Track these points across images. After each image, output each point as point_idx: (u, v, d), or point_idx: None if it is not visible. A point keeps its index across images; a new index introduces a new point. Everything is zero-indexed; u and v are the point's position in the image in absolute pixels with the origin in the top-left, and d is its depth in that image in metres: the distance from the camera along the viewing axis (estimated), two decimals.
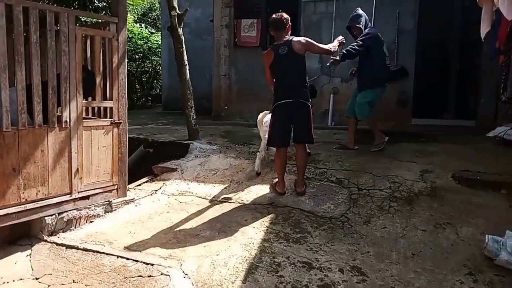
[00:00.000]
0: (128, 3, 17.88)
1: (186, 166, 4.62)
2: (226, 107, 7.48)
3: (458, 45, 7.34)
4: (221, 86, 7.41)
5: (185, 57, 5.00)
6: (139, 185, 4.36)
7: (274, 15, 3.78)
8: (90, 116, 3.85)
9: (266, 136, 4.01)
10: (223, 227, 3.24)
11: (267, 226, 3.21)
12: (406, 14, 6.62)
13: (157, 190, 4.13)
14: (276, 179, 3.93)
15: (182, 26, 4.95)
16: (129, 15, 18.24)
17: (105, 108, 3.69)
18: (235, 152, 4.87)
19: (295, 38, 3.75)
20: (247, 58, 7.29)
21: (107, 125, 3.62)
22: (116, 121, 3.68)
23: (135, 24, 16.92)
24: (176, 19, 4.76)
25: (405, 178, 3.81)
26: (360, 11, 4.74)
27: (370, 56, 4.48)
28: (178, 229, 3.23)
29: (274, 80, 3.99)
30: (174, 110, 10.94)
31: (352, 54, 4.49)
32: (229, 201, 3.82)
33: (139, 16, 19.47)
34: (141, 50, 14.44)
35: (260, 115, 4.56)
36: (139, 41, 14.57)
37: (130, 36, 14.18)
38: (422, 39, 6.68)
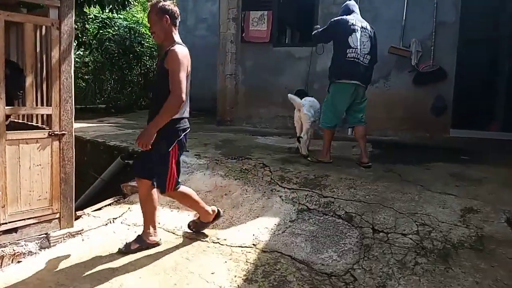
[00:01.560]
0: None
1: None
2: (232, 109, 6.59)
3: (509, 41, 6.11)
4: (226, 86, 6.54)
5: None
6: (99, 209, 3.54)
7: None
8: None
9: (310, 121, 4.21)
10: (178, 284, 2.34)
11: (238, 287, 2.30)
12: (446, 3, 5.50)
13: (116, 218, 3.29)
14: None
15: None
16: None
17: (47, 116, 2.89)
18: (225, 169, 3.96)
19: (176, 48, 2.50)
20: (256, 55, 6.38)
21: (44, 138, 2.80)
22: (56, 132, 2.86)
23: None
24: None
25: (439, 220, 2.78)
26: (347, 2, 4.19)
27: (334, 47, 4.03)
28: (119, 284, 2.36)
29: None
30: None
31: (314, 35, 4.25)
32: (202, 238, 2.92)
33: None
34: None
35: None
36: None
37: (145, 32, 13.61)
38: (465, 34, 5.53)
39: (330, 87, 4.03)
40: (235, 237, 2.89)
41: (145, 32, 13.31)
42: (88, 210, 3.45)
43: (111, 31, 10.97)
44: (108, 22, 10.67)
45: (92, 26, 10.77)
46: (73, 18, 2.92)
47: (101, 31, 10.78)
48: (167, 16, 2.56)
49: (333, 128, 4.09)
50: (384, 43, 5.69)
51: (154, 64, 14.40)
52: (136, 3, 16.76)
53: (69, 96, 2.92)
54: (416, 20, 5.62)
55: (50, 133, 2.82)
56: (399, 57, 5.68)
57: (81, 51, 12.31)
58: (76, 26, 10.71)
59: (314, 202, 3.21)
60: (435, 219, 2.79)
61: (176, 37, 2.62)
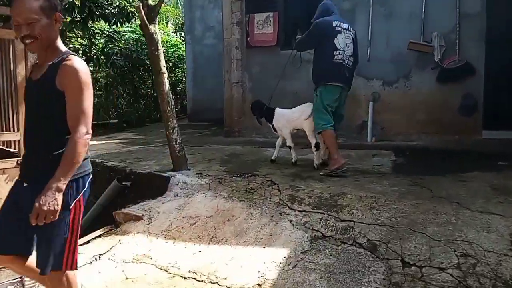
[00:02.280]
0: (163, 13, 17.32)
1: (157, 212, 3.35)
2: (240, 119, 6.16)
3: None
4: (233, 95, 6.12)
5: (162, 63, 3.76)
6: (88, 242, 3.15)
7: None
8: None
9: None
10: None
11: None
12: None
13: (103, 254, 2.89)
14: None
15: (156, 22, 3.72)
16: (169, 25, 17.69)
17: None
18: (229, 189, 3.52)
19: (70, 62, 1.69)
20: (262, 60, 5.95)
21: (11, 168, 2.44)
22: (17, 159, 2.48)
23: (174, 35, 16.29)
24: (144, 13, 3.52)
25: (484, 248, 2.26)
26: (324, 2, 3.97)
27: (319, 49, 3.85)
28: None
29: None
30: (199, 122, 10.01)
31: (297, 43, 4.22)
32: (198, 278, 2.49)
33: (180, 25, 18.90)
34: (171, 59, 13.65)
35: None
36: (170, 50, 13.82)
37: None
38: (493, 26, 4.96)
39: (317, 90, 3.86)
40: (237, 275, 2.45)
41: None
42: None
43: (117, 45, 10.78)
44: (115, 36, 10.48)
45: (99, 40, 10.60)
46: None
47: (109, 45, 10.61)
48: (59, 14, 1.72)
49: (333, 128, 3.78)
50: (402, 39, 5.19)
51: (168, 77, 14.22)
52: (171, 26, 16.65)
53: None
54: (437, 12, 5.08)
55: (19, 161, 2.45)
56: (420, 53, 5.15)
57: (90, 67, 12.24)
58: (84, 42, 10.58)
59: (330, 227, 2.73)
60: (479, 247, 2.27)
61: (62, 45, 1.78)
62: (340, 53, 3.68)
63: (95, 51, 10.66)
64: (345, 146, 5.03)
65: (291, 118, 4.20)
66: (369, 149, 4.73)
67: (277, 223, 2.92)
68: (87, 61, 11.07)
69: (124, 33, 11.95)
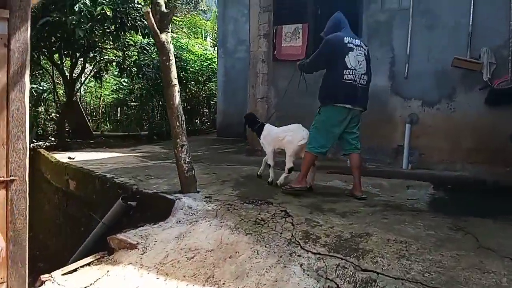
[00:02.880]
0: (202, 27, 17.43)
1: (154, 240, 2.99)
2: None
3: None
4: (257, 111, 5.74)
5: (174, 74, 3.45)
6: (75, 270, 2.83)
7: None
8: None
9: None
10: None
11: None
12: None
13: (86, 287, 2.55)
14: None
15: (168, 30, 3.43)
16: (208, 39, 17.82)
17: None
18: (236, 219, 3.11)
19: None
20: (290, 75, 5.54)
21: None
22: (2, 178, 2.20)
23: (211, 49, 16.35)
24: (155, 20, 3.23)
25: None
26: (334, 16, 3.74)
27: (328, 67, 3.61)
28: None
29: None
30: (227, 137, 9.77)
31: (307, 65, 3.86)
32: None
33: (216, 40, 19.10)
34: (206, 72, 13.60)
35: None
36: (204, 63, 13.81)
37: (193, 59, 13.56)
38: None
39: (321, 109, 3.64)
40: None
41: (189, 57, 13.20)
42: (58, 272, 2.75)
43: (149, 57, 10.79)
44: (147, 48, 10.48)
45: (133, 52, 10.65)
46: (29, 32, 2.30)
47: (143, 57, 10.63)
48: None
49: (322, 155, 3.66)
50: (445, 54, 4.63)
51: (199, 89, 14.19)
52: (179, 29, 16.84)
53: (21, 131, 2.26)
54: (486, 24, 4.49)
55: None
56: (466, 71, 4.56)
57: (124, 79, 12.38)
58: (119, 53, 10.67)
59: (348, 278, 2.24)
60: None
61: None
62: (351, 72, 3.43)
63: (128, 62, 10.71)
64: (377, 172, 4.50)
65: (277, 137, 4.02)
66: (404, 179, 4.17)
67: (285, 266, 2.46)
68: (121, 72, 11.18)
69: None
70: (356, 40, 3.55)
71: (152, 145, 9.65)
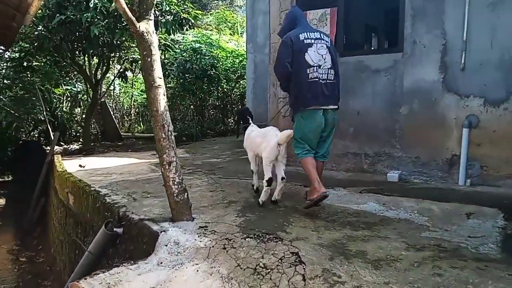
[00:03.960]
0: (237, 23, 16.79)
1: None
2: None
3: None
4: (280, 113, 4.92)
5: (157, 73, 2.73)
6: None
7: None
8: None
9: None
10: None
11: None
12: None
13: None
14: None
15: (151, 18, 2.70)
16: (243, 37, 17.18)
17: None
18: (232, 263, 2.33)
19: None
20: None
21: None
22: None
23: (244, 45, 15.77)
24: (129, 6, 2.51)
25: None
26: (289, 11, 3.57)
27: (294, 71, 3.23)
28: None
29: None
30: None
31: (279, 79, 3.47)
32: None
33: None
34: (239, 69, 12.95)
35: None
36: (236, 60, 13.17)
37: (225, 55, 12.98)
38: None
39: (295, 117, 3.34)
40: None
41: (219, 54, 12.60)
42: None
43: (172, 55, 10.26)
44: (170, 45, 9.94)
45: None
46: None
47: (167, 55, 10.13)
48: None
49: (312, 155, 3.28)
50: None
51: (231, 87, 13.57)
52: (211, 25, 16.25)
53: None
54: None
55: None
56: None
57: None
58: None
59: None
60: None
61: None
62: (315, 70, 3.14)
63: None
64: (425, 192, 3.56)
65: (255, 142, 3.47)
66: (462, 202, 3.19)
67: None
68: None
69: (184, 43, 11.46)
70: (314, 33, 3.22)
71: (178, 148, 9.09)
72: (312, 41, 3.16)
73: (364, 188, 3.67)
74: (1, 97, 11.69)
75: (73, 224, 4.48)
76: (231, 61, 13.27)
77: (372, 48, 6.21)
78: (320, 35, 3.23)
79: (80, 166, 6.05)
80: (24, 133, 11.61)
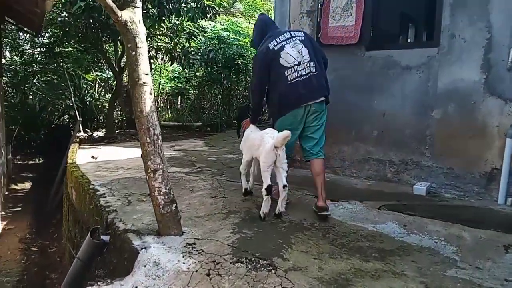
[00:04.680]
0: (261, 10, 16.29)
1: None
2: None
3: None
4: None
5: (143, 69, 2.38)
6: None
7: None
8: None
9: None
10: None
11: None
12: None
13: None
14: None
15: (137, 5, 2.35)
16: None
17: None
18: None
19: None
20: (338, 64, 4.19)
21: None
22: None
23: None
24: None
25: None
26: (257, 20, 3.39)
27: (273, 79, 3.09)
28: None
29: None
30: None
31: (252, 93, 3.40)
32: None
33: None
34: None
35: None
36: None
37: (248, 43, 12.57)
38: None
39: (275, 125, 3.20)
40: None
41: (248, 43, 12.20)
42: None
43: (196, 43, 9.94)
44: (195, 33, 9.61)
45: (181, 39, 9.85)
46: None
47: (191, 43, 9.83)
48: None
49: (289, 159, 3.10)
50: None
51: None
52: (239, 12, 15.82)
53: None
54: None
55: None
56: None
57: (179, 66, 11.75)
58: (168, 40, 9.96)
59: None
60: None
61: None
62: (294, 70, 3.03)
63: (178, 49, 9.97)
64: (456, 210, 3.07)
65: (254, 145, 3.13)
66: (499, 227, 2.68)
67: None
68: (172, 60, 10.52)
69: (212, 31, 11.12)
70: (285, 34, 3.12)
71: (199, 139, 8.90)
72: (283, 43, 3.06)
73: (384, 204, 3.21)
74: (34, 81, 11.89)
75: (73, 221, 4.30)
76: None
77: (404, 42, 5.60)
78: (291, 34, 3.13)
79: (92, 157, 5.89)
80: (57, 116, 11.78)
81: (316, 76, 3.06)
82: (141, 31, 2.41)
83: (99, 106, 12.22)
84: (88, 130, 10.56)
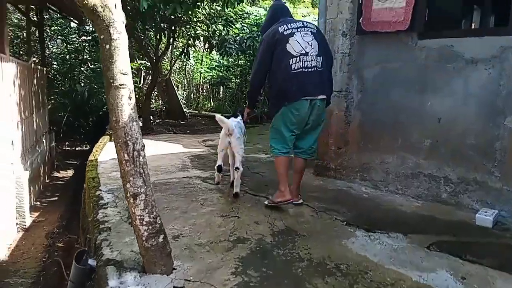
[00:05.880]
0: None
1: None
2: (340, 150, 3.83)
3: None
4: (332, 112, 3.82)
5: (121, 67, 1.87)
6: None
7: None
8: None
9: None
10: None
11: None
12: None
13: None
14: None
15: None
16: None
17: None
18: None
19: None
20: (382, 56, 3.45)
21: None
22: None
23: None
24: None
25: None
26: (272, 5, 3.27)
27: (273, 64, 2.94)
28: None
29: None
30: None
31: (250, 90, 3.34)
32: None
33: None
34: None
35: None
36: None
37: None
38: None
39: (277, 112, 2.98)
40: None
41: None
42: None
43: (237, 30, 9.39)
44: (233, 19, 9.05)
45: (218, 26, 9.36)
46: None
47: (230, 30, 9.30)
48: None
49: (288, 155, 3.02)
50: None
51: None
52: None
53: None
54: None
55: None
56: None
57: (217, 55, 11.31)
58: (205, 27, 9.52)
59: None
60: None
61: None
62: (299, 59, 2.83)
63: (217, 37, 9.50)
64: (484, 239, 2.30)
65: (222, 134, 3.49)
66: None
67: None
68: (211, 48, 10.08)
69: (255, 17, 10.48)
70: (297, 23, 2.97)
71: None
72: (294, 30, 2.89)
73: (435, 241, 2.49)
74: (82, 69, 12.05)
75: (81, 224, 3.99)
76: None
77: (468, 28, 4.66)
78: (303, 23, 2.99)
79: None
80: (104, 104, 11.90)
81: (321, 72, 2.90)
82: (118, 18, 1.89)
83: (140, 95, 12.16)
84: None
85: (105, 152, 5.63)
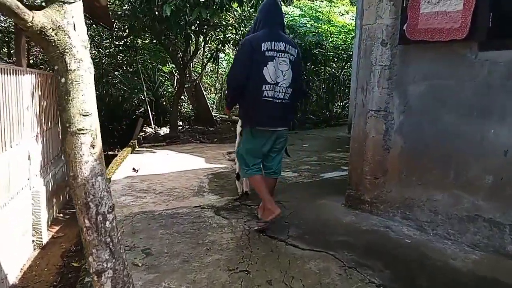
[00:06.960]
0: None
1: None
2: (377, 180, 3.21)
3: None
4: (367, 134, 3.22)
5: (79, 108, 1.42)
6: None
7: None
8: None
9: None
10: None
11: None
12: None
13: None
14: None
15: (71, 0, 1.39)
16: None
17: None
18: None
19: None
20: (433, 70, 2.80)
21: None
22: None
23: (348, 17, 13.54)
24: None
25: None
26: (264, 3, 3.07)
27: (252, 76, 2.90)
28: None
29: None
30: None
31: (228, 93, 3.25)
32: None
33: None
34: (350, 47, 11.25)
35: None
36: (348, 35, 11.34)
37: (334, 31, 11.28)
38: None
39: (244, 130, 3.15)
40: None
41: (329, 29, 10.89)
42: None
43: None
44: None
45: (246, 29, 8.93)
46: None
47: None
48: None
49: (260, 172, 3.12)
50: None
51: (340, 67, 11.78)
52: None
53: None
54: None
55: None
56: None
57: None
58: (234, 31, 9.10)
59: None
60: None
61: None
62: (271, 88, 2.86)
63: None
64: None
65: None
66: None
67: None
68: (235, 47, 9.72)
69: (286, 19, 9.94)
70: (280, 44, 2.85)
71: None
72: (275, 53, 2.84)
73: None
74: (115, 73, 12.01)
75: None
76: (343, 37, 11.40)
77: None
78: (285, 47, 2.88)
79: (133, 169, 5.27)
80: (136, 108, 11.83)
81: (286, 105, 2.94)
82: (77, 43, 1.43)
83: (170, 100, 11.98)
84: (156, 126, 10.26)
85: (122, 169, 5.30)
